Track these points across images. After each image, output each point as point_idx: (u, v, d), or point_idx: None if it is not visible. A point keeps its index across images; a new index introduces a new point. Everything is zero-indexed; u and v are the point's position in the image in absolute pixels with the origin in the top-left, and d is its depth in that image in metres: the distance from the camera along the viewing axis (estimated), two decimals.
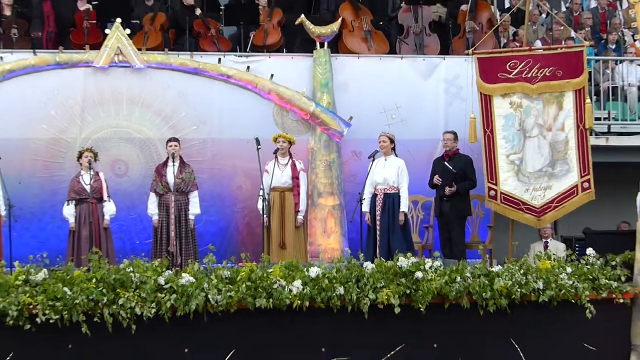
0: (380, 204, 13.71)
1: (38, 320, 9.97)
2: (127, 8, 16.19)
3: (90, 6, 16.10)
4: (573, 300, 11.03)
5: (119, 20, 14.73)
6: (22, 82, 14.30)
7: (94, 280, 10.42)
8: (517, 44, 16.54)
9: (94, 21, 15.68)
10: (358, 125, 14.56)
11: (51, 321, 10.05)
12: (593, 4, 20.29)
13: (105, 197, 13.33)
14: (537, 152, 13.85)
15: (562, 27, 18.32)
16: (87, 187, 13.21)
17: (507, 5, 19.26)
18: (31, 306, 10.09)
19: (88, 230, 13.12)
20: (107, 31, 14.60)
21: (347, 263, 11.20)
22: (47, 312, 10.04)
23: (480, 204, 14.33)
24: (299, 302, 10.52)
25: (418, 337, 10.84)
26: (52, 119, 14.28)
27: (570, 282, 11.08)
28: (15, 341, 10.17)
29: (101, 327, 10.18)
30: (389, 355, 10.84)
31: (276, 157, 13.76)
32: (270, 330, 10.65)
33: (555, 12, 19.41)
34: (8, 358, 10.20)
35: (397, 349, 10.85)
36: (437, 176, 13.89)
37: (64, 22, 16.21)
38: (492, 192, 13.96)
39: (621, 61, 18.35)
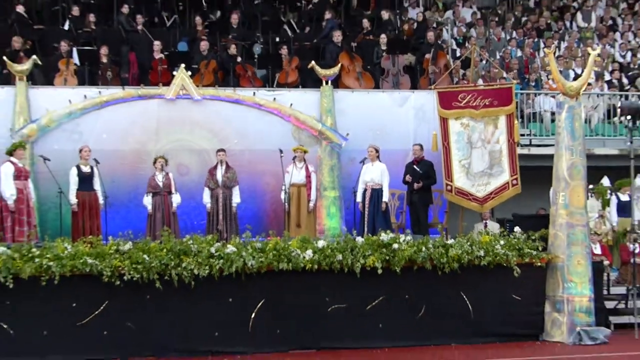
0: (369, 196, 13.76)
1: (125, 278, 10.04)
2: (189, 56, 16.19)
3: (163, 55, 16.13)
4: (504, 264, 11.08)
5: (182, 65, 14.77)
6: (114, 110, 14.40)
7: (164, 250, 10.46)
8: (465, 82, 16.51)
9: (165, 66, 15.71)
10: (352, 139, 14.60)
11: (134, 279, 10.09)
12: (519, 54, 20.24)
13: (173, 190, 13.40)
14: (480, 159, 13.90)
15: (497, 70, 18.28)
16: (160, 184, 13.28)
17: (458, 54, 19.20)
18: (120, 268, 10.11)
19: (161, 214, 13.19)
20: (174, 73, 14.65)
21: (344, 238, 11.26)
22: (131, 272, 10.08)
23: (440, 195, 14.35)
24: (310, 265, 10.57)
25: (394, 291, 10.90)
26: (135, 136, 14.37)
27: (503, 251, 11.14)
28: (109, 293, 10.19)
29: (170, 284, 10.21)
30: (374, 303, 10.87)
31: (294, 162, 13.83)
32: (289, 286, 10.70)
33: (492, 59, 19.37)
34: (103, 306, 10.23)
35: (380, 298, 10.89)
36: (408, 175, 14.02)
37: (144, 66, 16.22)
38: (449, 187, 14.06)
39: (539, 94, 18.45)
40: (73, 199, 13.02)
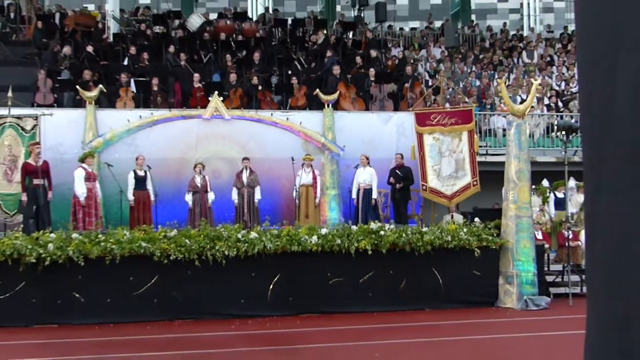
0: (361, 194, 13.77)
1: (171, 257, 10.06)
2: (221, 86, 16.16)
3: (200, 85, 16.09)
4: (467, 247, 11.06)
5: (216, 92, 14.75)
6: (163, 127, 14.39)
7: (202, 236, 10.47)
8: (436, 105, 16.46)
9: (202, 93, 15.66)
10: (348, 150, 14.54)
11: (178, 258, 10.09)
12: (478, 83, 20.23)
13: (208, 190, 13.36)
14: (448, 165, 13.90)
15: (460, 96, 18.25)
16: (199, 185, 13.26)
17: (430, 84, 19.18)
18: (167, 250, 10.10)
19: (199, 208, 13.16)
20: (209, 98, 14.61)
21: (342, 226, 11.27)
22: (176, 253, 10.09)
23: (417, 193, 14.30)
24: (315, 248, 10.55)
25: (381, 268, 10.88)
26: (179, 147, 14.35)
27: (466, 237, 11.13)
28: (158, 270, 10.19)
29: (206, 262, 10.20)
30: (365, 277, 10.83)
31: (303, 167, 13.76)
32: (299, 264, 10.69)
33: (457, 87, 19.34)
34: (154, 279, 10.20)
35: (370, 273, 10.86)
36: (392, 178, 13.98)
37: (186, 93, 16.19)
38: (424, 187, 14.05)
39: (493, 114, 18.49)
40: (130, 197, 13.04)
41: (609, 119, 1.10)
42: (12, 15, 21.06)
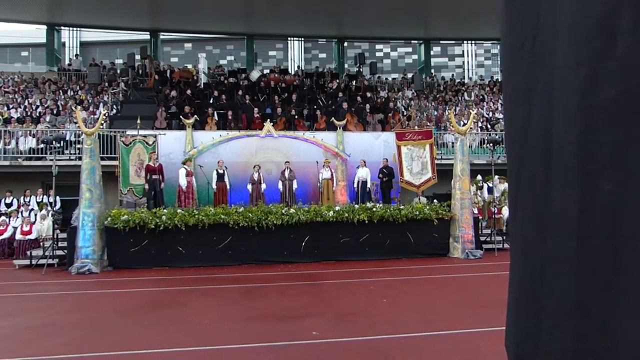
0: (360, 185, 13.63)
1: (240, 225, 10.00)
2: (272, 116, 16.13)
3: (259, 115, 16.04)
4: (429, 218, 10.94)
5: (268, 120, 14.73)
6: (235, 142, 14.27)
7: (259, 211, 10.42)
8: (409, 127, 16.31)
9: (260, 120, 15.63)
10: (352, 156, 14.43)
11: (244, 225, 10.06)
12: (435, 113, 20.03)
13: (263, 182, 13.28)
14: (417, 166, 13.74)
15: (424, 121, 18.10)
16: (256, 179, 13.19)
17: (405, 114, 19.01)
18: (237, 220, 10.08)
19: (256, 194, 13.10)
20: (264, 124, 14.57)
21: (349, 206, 11.16)
22: (243, 222, 10.05)
23: (397, 184, 14.14)
24: (332, 219, 10.49)
25: (373, 231, 10.79)
26: (245, 155, 14.28)
27: (428, 212, 11.01)
28: (232, 233, 10.19)
29: (262, 228, 10.17)
30: (363, 238, 10.76)
31: (324, 167, 13.64)
32: (321, 229, 10.62)
33: (422, 115, 19.19)
34: (229, 239, 10.19)
35: (366, 235, 10.77)
36: (380, 174, 13.81)
37: (249, 120, 16.17)
38: (401, 180, 13.89)
39: (445, 133, 18.21)
40: (214, 186, 13.00)
41: (526, 135, 1.06)
42: (140, 71, 21.20)
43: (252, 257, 10.35)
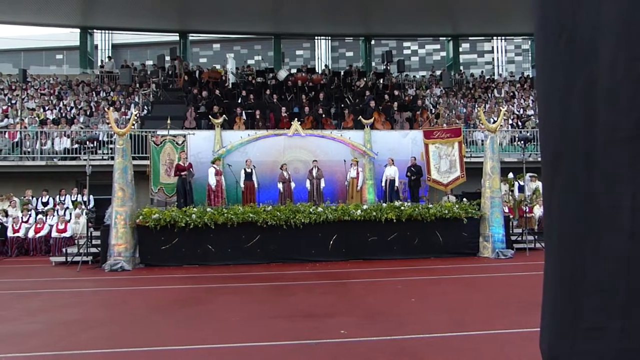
0: (388, 183, 13.56)
1: (268, 223, 10.07)
2: (299, 115, 16.17)
3: (286, 114, 16.12)
4: (458, 217, 10.80)
5: (296, 119, 14.76)
6: (263, 141, 14.31)
7: (287, 210, 10.46)
8: (437, 125, 16.15)
9: (287, 119, 15.69)
10: (380, 155, 14.30)
11: (273, 224, 10.11)
12: (464, 110, 19.75)
13: (291, 181, 13.32)
14: (445, 164, 13.60)
15: (453, 119, 17.89)
16: (285, 177, 13.23)
17: (433, 112, 18.82)
18: (266, 218, 10.15)
19: (285, 192, 13.11)
20: (292, 123, 14.60)
21: (376, 204, 11.11)
22: (271, 221, 10.10)
23: (425, 182, 14.00)
24: (360, 217, 10.47)
25: (402, 230, 10.73)
26: (272, 154, 14.31)
27: (457, 210, 10.87)
28: (260, 231, 10.26)
29: (290, 226, 10.23)
30: (391, 237, 10.70)
31: (352, 166, 13.62)
32: (348, 228, 10.61)
33: (450, 113, 18.97)
34: (257, 237, 10.26)
35: (395, 234, 10.71)
36: (408, 172, 13.71)
37: (277, 120, 16.25)
38: (429, 178, 13.77)
39: (474, 131, 17.95)
40: (242, 185, 13.11)
41: (562, 132, 1.04)
42: (169, 72, 21.54)
43: (280, 255, 10.40)
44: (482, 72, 27.47)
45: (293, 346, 4.79)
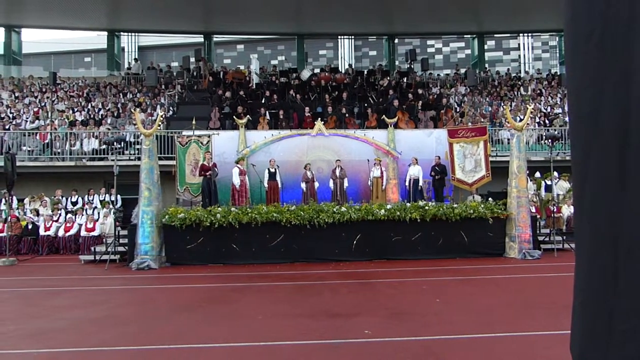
0: (412, 183, 13.45)
1: (292, 223, 10.10)
2: (322, 114, 16.18)
3: (309, 114, 16.14)
4: (484, 217, 10.65)
5: (319, 119, 14.74)
6: (286, 141, 14.31)
7: (311, 209, 10.48)
8: (462, 124, 15.96)
9: (311, 119, 15.69)
10: (403, 154, 14.17)
11: (296, 223, 10.14)
12: (490, 109, 19.47)
13: (315, 180, 13.33)
14: (470, 163, 13.37)
15: (478, 117, 17.66)
16: (309, 177, 13.24)
17: (458, 110, 18.61)
18: (289, 218, 10.18)
19: (309, 192, 13.12)
20: (315, 122, 14.58)
21: (400, 204, 11.03)
22: (295, 220, 10.14)
23: (449, 182, 13.84)
24: (383, 217, 10.43)
25: (426, 230, 10.63)
26: (296, 153, 14.32)
27: (483, 210, 10.73)
28: (284, 231, 10.30)
29: (313, 226, 10.26)
30: (415, 236, 10.62)
31: (375, 165, 13.55)
32: (372, 227, 10.55)
33: (475, 112, 18.72)
34: (281, 237, 10.30)
35: (419, 234, 10.63)
36: (432, 172, 13.58)
37: (301, 119, 16.29)
38: (453, 178, 13.55)
39: (500, 129, 17.67)
40: (266, 185, 13.17)
41: (594, 130, 1.01)
42: (194, 73, 21.79)
43: (303, 255, 10.42)
44: (508, 69, 27.07)
45: (318, 345, 4.80)
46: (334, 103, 17.48)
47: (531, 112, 14.04)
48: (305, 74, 20.31)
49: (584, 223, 1.07)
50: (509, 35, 32.27)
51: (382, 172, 13.64)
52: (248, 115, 15.30)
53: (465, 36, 30.11)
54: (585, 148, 1.06)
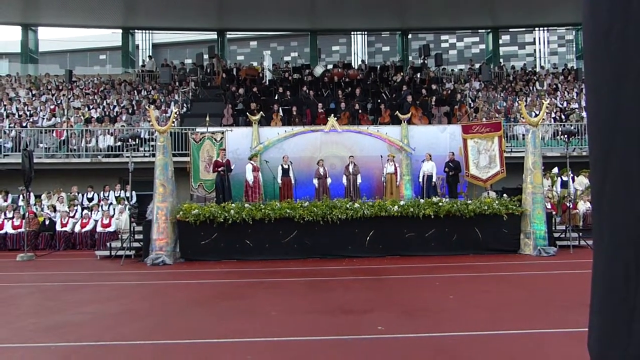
0: (426, 179, 13.40)
1: (305, 219, 10.10)
2: (335, 110, 16.16)
3: (322, 110, 16.13)
4: (498, 213, 10.58)
5: (332, 115, 14.73)
6: (299, 137, 14.35)
7: (324, 205, 10.48)
8: (476, 120, 15.84)
9: (324, 115, 15.70)
10: (417, 150, 14.14)
11: (310, 220, 10.16)
12: (505, 104, 19.28)
13: (328, 177, 13.33)
14: (484, 159, 13.32)
15: (492, 113, 17.50)
16: (322, 173, 13.26)
17: (472, 105, 18.46)
18: (302, 214, 10.20)
19: (322, 188, 13.15)
20: (328, 119, 14.58)
21: (413, 200, 11.00)
22: (308, 216, 10.16)
23: (463, 178, 13.76)
24: (397, 213, 10.39)
25: (440, 227, 10.58)
26: (309, 150, 14.34)
27: (497, 207, 10.63)
28: (297, 227, 10.31)
29: (327, 222, 10.25)
30: (429, 233, 10.57)
31: (388, 161, 13.54)
32: (385, 224, 10.53)
33: (490, 107, 18.55)
34: (294, 233, 10.31)
35: (432, 230, 10.59)
36: (446, 168, 13.50)
37: (314, 116, 16.30)
38: (467, 174, 13.54)
39: (515, 125, 17.48)
40: (279, 181, 13.20)
41: (614, 126, 1.00)
42: (208, 70, 21.88)
43: (317, 251, 10.44)
44: (524, 64, 26.75)
45: (331, 341, 4.81)
46: (347, 99, 17.45)
47: (547, 108, 13.88)
48: (318, 70, 20.29)
49: (603, 222, 1.06)
50: (524, 29, 31.90)
51: (395, 168, 13.62)
52: (261, 112, 15.34)
53: (479, 31, 29.82)
54: (605, 146, 1.05)
